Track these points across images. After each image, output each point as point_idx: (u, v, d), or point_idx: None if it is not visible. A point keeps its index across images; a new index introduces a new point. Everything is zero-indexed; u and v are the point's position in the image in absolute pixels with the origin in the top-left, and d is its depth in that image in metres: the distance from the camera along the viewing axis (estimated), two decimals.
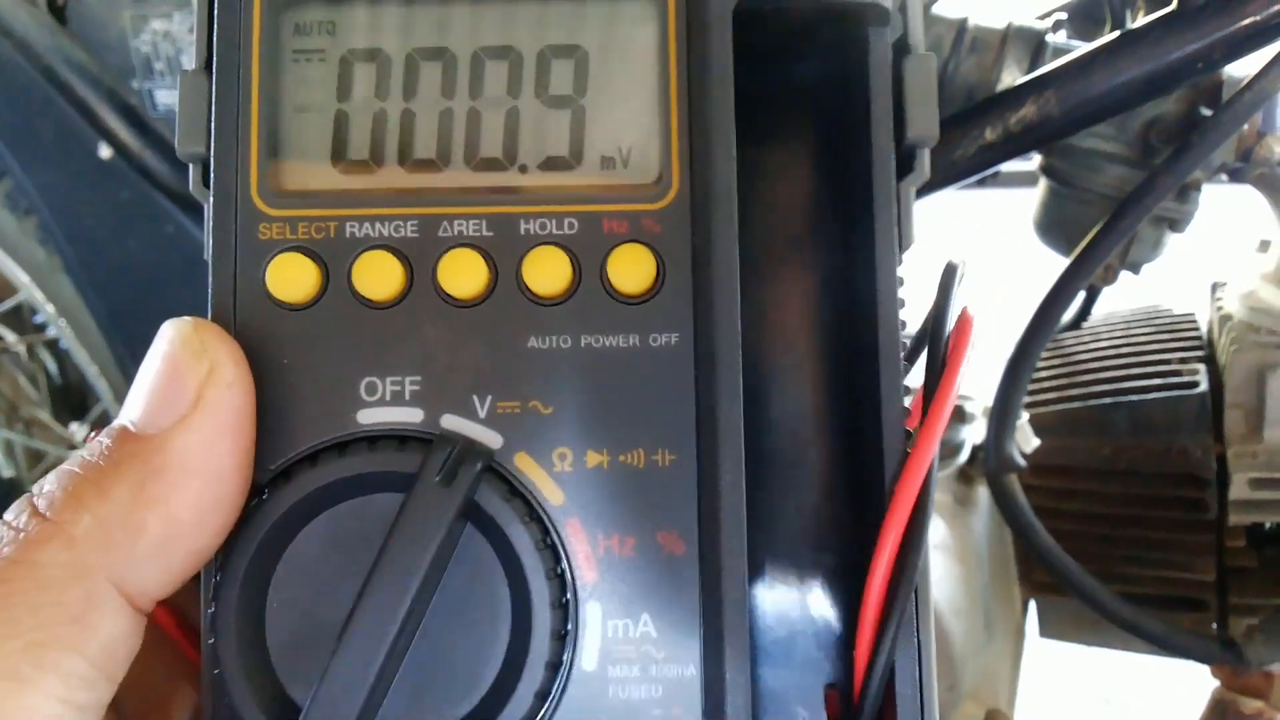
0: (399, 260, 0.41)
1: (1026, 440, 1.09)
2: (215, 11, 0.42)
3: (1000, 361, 1.04)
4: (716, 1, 0.42)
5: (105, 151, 1.37)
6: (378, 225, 0.42)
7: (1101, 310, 1.40)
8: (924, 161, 0.43)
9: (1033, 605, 1.31)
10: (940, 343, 0.43)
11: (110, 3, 1.27)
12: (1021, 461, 1.07)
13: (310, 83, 0.43)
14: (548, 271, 0.41)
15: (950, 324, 0.43)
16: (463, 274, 0.41)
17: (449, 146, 0.43)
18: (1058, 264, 1.10)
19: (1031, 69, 1.08)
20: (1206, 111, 1.01)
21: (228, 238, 0.42)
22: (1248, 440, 1.09)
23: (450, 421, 0.41)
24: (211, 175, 0.42)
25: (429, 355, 0.41)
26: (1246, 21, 0.87)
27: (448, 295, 0.41)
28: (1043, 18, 1.22)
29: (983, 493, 1.30)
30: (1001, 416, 1.05)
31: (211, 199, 0.42)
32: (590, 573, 0.41)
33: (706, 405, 0.41)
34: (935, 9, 1.06)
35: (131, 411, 0.39)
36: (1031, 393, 1.25)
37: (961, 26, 1.09)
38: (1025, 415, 1.11)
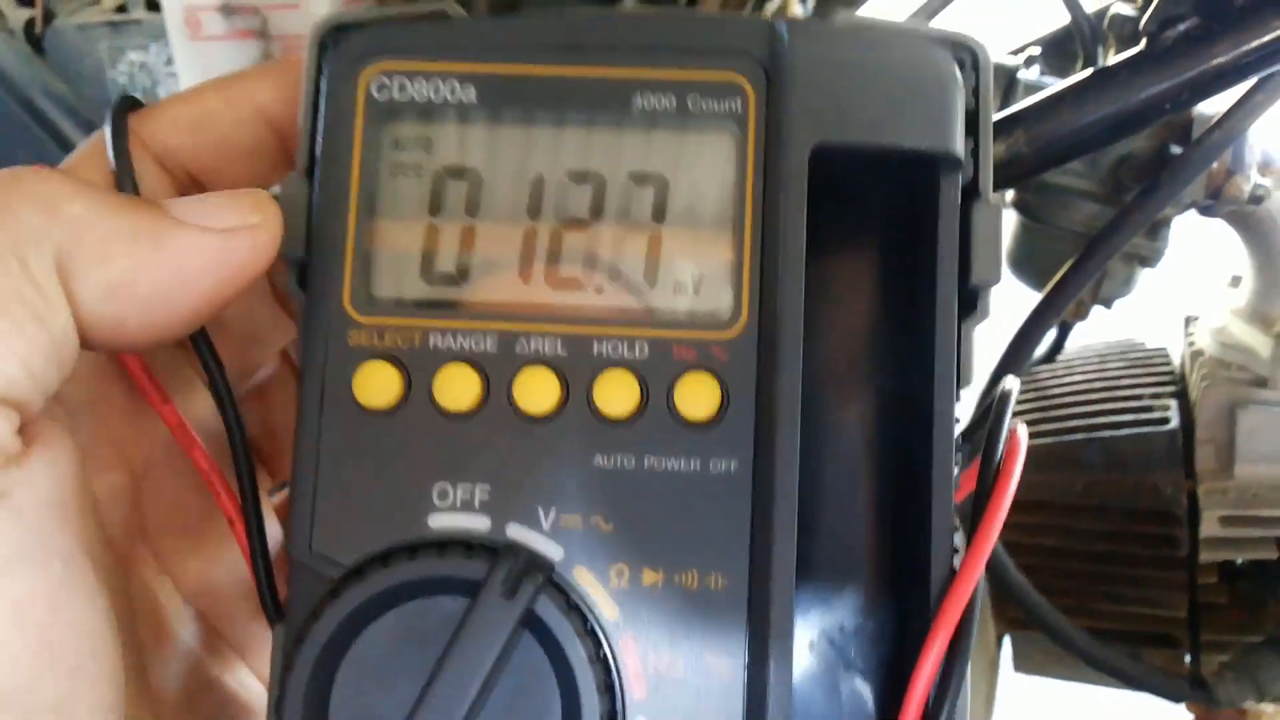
0: (477, 373, 0.43)
1: None
2: (322, 119, 0.44)
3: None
4: (796, 141, 0.43)
5: None
6: (459, 338, 0.43)
7: (1077, 342, 1.40)
8: (987, 302, 0.45)
9: (1007, 640, 1.31)
10: (991, 464, 0.44)
11: (87, 34, 1.28)
12: None
13: (405, 196, 0.44)
14: (617, 394, 0.43)
15: (1001, 445, 0.45)
16: (536, 392, 0.43)
17: (531, 264, 0.44)
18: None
19: (1003, 105, 1.08)
20: (1177, 149, 1.01)
21: (318, 341, 0.43)
22: (1219, 477, 1.09)
23: (515, 531, 0.43)
24: (309, 280, 0.44)
25: (499, 466, 0.43)
26: (1214, 63, 0.88)
27: (520, 410, 0.43)
28: (1017, 52, 1.23)
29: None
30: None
31: (308, 303, 0.44)
32: (640, 689, 0.42)
33: (762, 536, 0.42)
34: None
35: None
36: None
37: None
38: None
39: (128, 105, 0.46)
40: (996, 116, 1.00)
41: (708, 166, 0.44)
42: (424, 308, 0.44)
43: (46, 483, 0.37)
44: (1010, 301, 1.17)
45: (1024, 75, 1.09)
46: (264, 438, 0.54)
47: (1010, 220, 1.16)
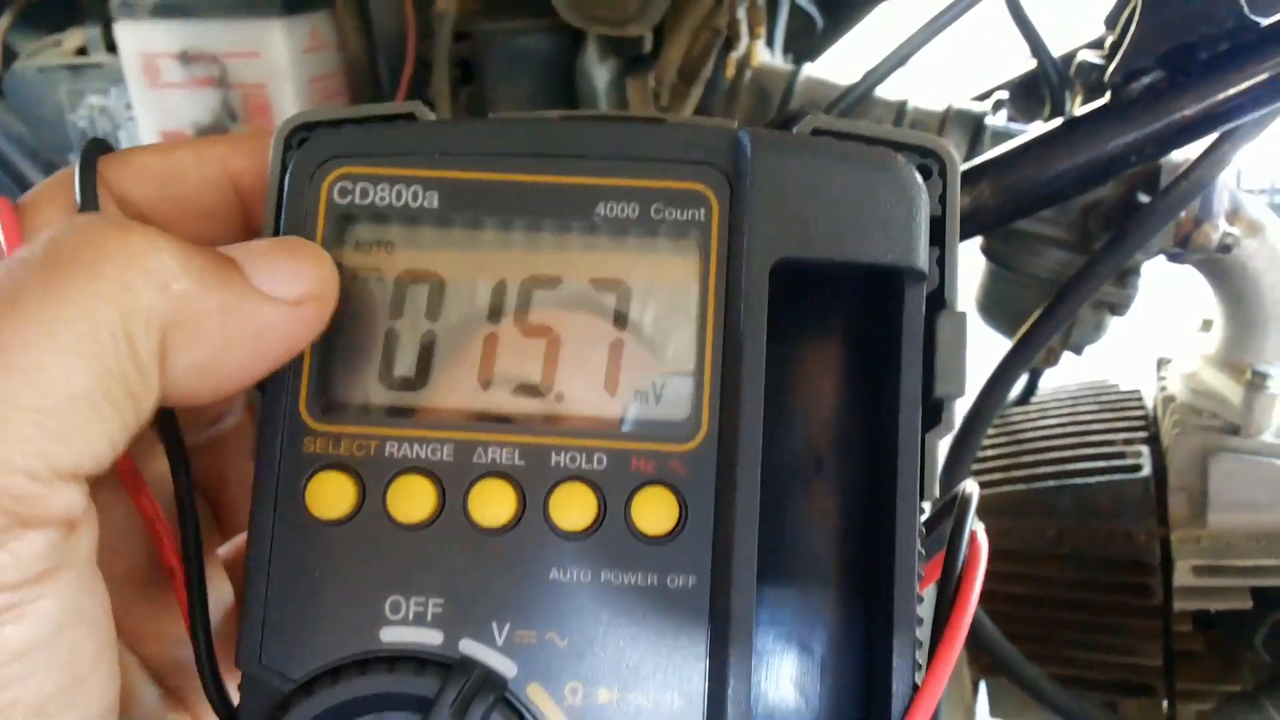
0: (432, 484, 0.42)
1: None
2: (282, 222, 0.44)
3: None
4: (757, 256, 0.42)
5: None
6: (415, 447, 0.43)
7: (1051, 383, 1.40)
8: (952, 414, 0.44)
9: (983, 686, 1.29)
10: (953, 573, 0.43)
11: (46, 78, 1.26)
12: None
13: (365, 299, 0.44)
14: (574, 507, 0.42)
15: (963, 553, 0.44)
16: (492, 504, 0.42)
17: (491, 370, 0.44)
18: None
19: (970, 152, 1.07)
20: (1145, 197, 1.01)
21: (273, 447, 0.43)
22: (1191, 525, 1.08)
23: (468, 646, 0.42)
24: (265, 383, 0.43)
25: (453, 579, 0.42)
26: (1180, 116, 0.87)
27: (475, 523, 0.42)
28: (984, 96, 1.22)
29: None
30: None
31: (262, 406, 0.43)
32: None
33: (718, 654, 0.41)
34: (877, 91, 1.06)
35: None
36: (976, 472, 1.23)
37: (901, 109, 1.09)
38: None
39: (98, 147, 0.46)
40: (965, 166, 0.99)
41: (670, 275, 0.43)
42: (381, 414, 0.43)
43: (91, 540, 0.38)
44: (982, 342, 1.17)
45: (991, 121, 1.08)
46: (218, 488, 0.53)
47: (979, 266, 1.15)
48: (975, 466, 1.22)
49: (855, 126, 0.45)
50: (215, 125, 1.12)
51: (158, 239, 0.38)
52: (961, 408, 1.05)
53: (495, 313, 0.44)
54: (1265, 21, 0.84)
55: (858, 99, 1.03)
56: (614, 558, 0.42)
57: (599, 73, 1.06)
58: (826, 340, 0.47)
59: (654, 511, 0.42)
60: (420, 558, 0.42)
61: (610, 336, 0.43)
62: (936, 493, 0.43)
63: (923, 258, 0.42)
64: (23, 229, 0.43)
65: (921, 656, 0.43)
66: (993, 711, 1.30)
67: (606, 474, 0.42)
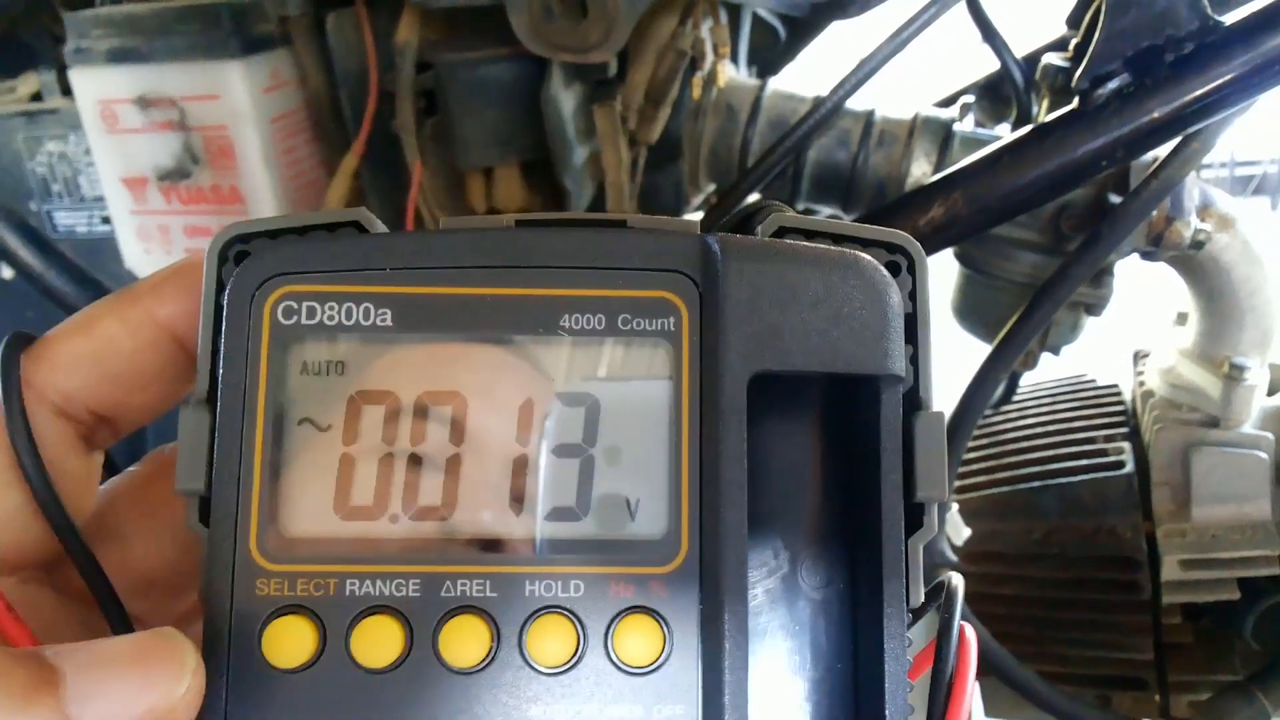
0: (399, 624, 0.40)
1: (957, 532, 1.08)
2: (223, 347, 0.40)
3: None
4: (733, 371, 0.40)
5: (7, 272, 1.34)
6: (378, 583, 0.40)
7: (1029, 377, 1.40)
8: (933, 518, 0.43)
9: (976, 686, 1.30)
10: (945, 669, 0.43)
11: (3, 125, 1.24)
12: (953, 556, 1.07)
13: (316, 425, 0.41)
14: (552, 640, 0.40)
15: (954, 644, 0.43)
16: (464, 642, 0.40)
17: (455, 494, 0.41)
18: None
19: (940, 159, 1.07)
20: (1116, 198, 1.01)
21: (222, 591, 0.39)
22: (1176, 518, 1.09)
23: None
24: (209, 522, 0.40)
25: None
26: (1147, 119, 0.87)
27: (447, 663, 0.39)
28: (950, 100, 1.22)
29: None
30: None
31: (207, 547, 0.40)
32: None
33: None
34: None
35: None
36: (961, 475, 1.24)
37: (869, 119, 1.08)
38: (955, 506, 1.10)
39: (18, 345, 0.43)
40: (934, 177, 0.99)
41: (640, 387, 0.42)
42: (340, 549, 0.40)
43: None
44: (956, 344, 1.17)
45: (959, 128, 1.08)
46: None
47: (954, 271, 1.15)
48: (960, 470, 1.23)
49: (820, 224, 0.43)
50: (178, 169, 1.10)
51: None
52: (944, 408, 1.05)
53: (456, 434, 0.41)
54: (1228, 21, 0.84)
55: (827, 113, 1.02)
56: (596, 692, 0.40)
57: (565, 100, 1.05)
58: (799, 446, 0.45)
59: (640, 640, 0.40)
60: (389, 703, 0.39)
61: (580, 454, 0.41)
62: (920, 598, 0.42)
63: (899, 363, 0.41)
64: None
65: None
66: (988, 711, 1.30)
67: (585, 602, 0.40)
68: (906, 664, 0.41)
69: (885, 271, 0.42)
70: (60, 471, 0.43)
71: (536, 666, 0.40)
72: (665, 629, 0.40)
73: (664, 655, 0.40)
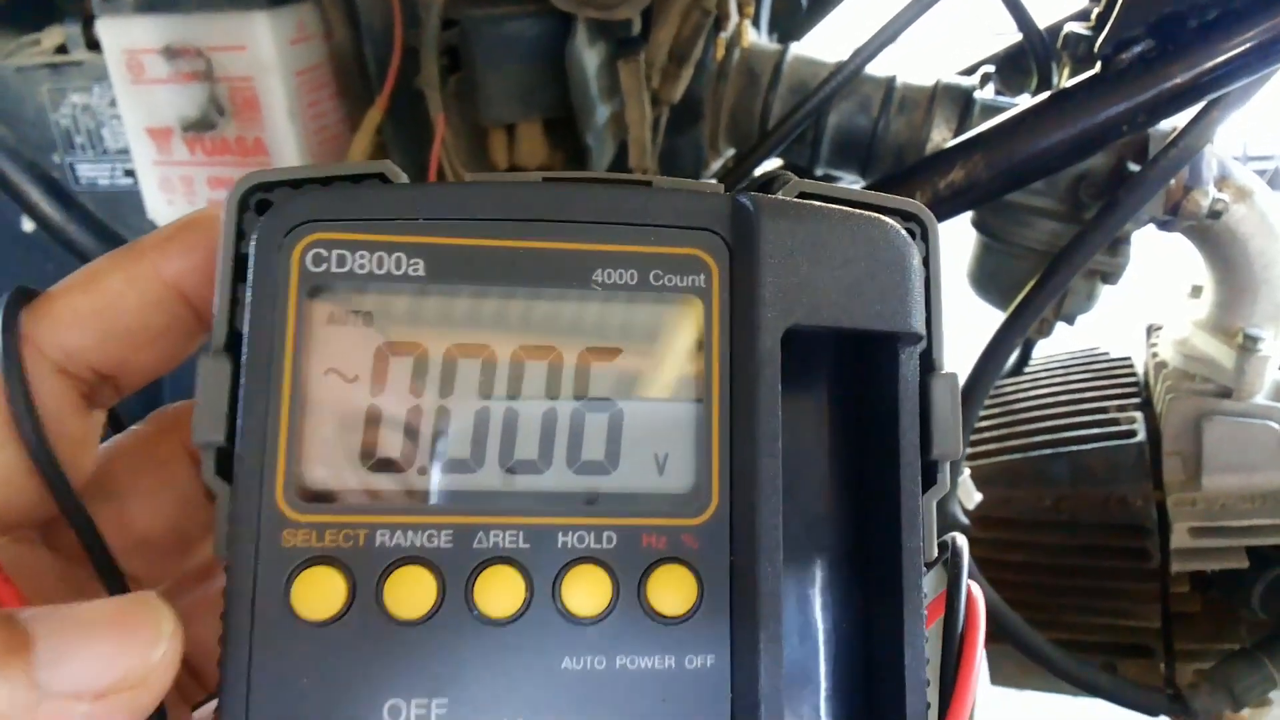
0: (432, 574, 0.39)
1: (969, 497, 1.09)
2: (249, 294, 0.40)
3: None
4: (769, 323, 0.41)
5: (28, 225, 1.34)
6: (410, 534, 0.39)
7: (1042, 350, 1.41)
8: (946, 475, 0.44)
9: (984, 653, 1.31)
10: (955, 631, 0.43)
11: (27, 77, 1.25)
12: (965, 520, 1.07)
13: (344, 376, 0.40)
14: (587, 590, 0.40)
15: (962, 610, 0.44)
16: (499, 592, 0.39)
17: (484, 448, 0.41)
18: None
19: (960, 126, 1.08)
20: (1134, 167, 1.01)
21: (246, 543, 0.39)
22: (1186, 488, 1.10)
23: None
24: (234, 472, 0.39)
25: (457, 676, 0.39)
26: (1170, 85, 0.88)
27: (481, 613, 0.39)
28: (970, 70, 1.22)
29: None
30: None
31: (230, 497, 0.39)
32: None
33: None
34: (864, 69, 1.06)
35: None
36: (973, 443, 1.25)
37: (890, 85, 1.09)
38: (967, 471, 1.11)
39: (20, 300, 0.42)
40: (954, 141, 1.00)
41: (670, 341, 0.42)
42: (367, 500, 0.40)
43: None
44: (969, 312, 1.18)
45: (980, 96, 1.09)
46: (197, 651, 0.47)
47: (971, 239, 1.16)
48: (972, 438, 1.23)
49: (839, 190, 0.44)
50: (203, 120, 1.11)
51: None
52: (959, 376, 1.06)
53: (487, 386, 0.41)
54: None
55: (848, 77, 1.03)
56: (629, 641, 0.40)
57: (589, 57, 1.06)
58: (815, 404, 0.46)
59: (671, 591, 0.40)
60: (421, 655, 0.39)
61: (608, 408, 0.42)
62: (934, 553, 0.43)
63: (919, 321, 0.42)
64: None
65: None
66: (993, 680, 1.31)
67: (617, 553, 0.40)
68: (924, 616, 0.42)
69: (906, 234, 0.43)
70: (59, 430, 0.42)
71: (571, 616, 0.40)
72: (698, 579, 0.40)
73: (696, 606, 0.40)
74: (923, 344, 0.43)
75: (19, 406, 0.40)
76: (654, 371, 0.42)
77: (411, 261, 0.40)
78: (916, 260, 0.43)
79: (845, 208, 0.43)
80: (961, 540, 0.45)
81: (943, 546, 0.46)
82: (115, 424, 0.48)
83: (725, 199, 0.42)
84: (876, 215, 0.43)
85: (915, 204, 0.44)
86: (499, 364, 0.41)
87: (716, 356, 0.41)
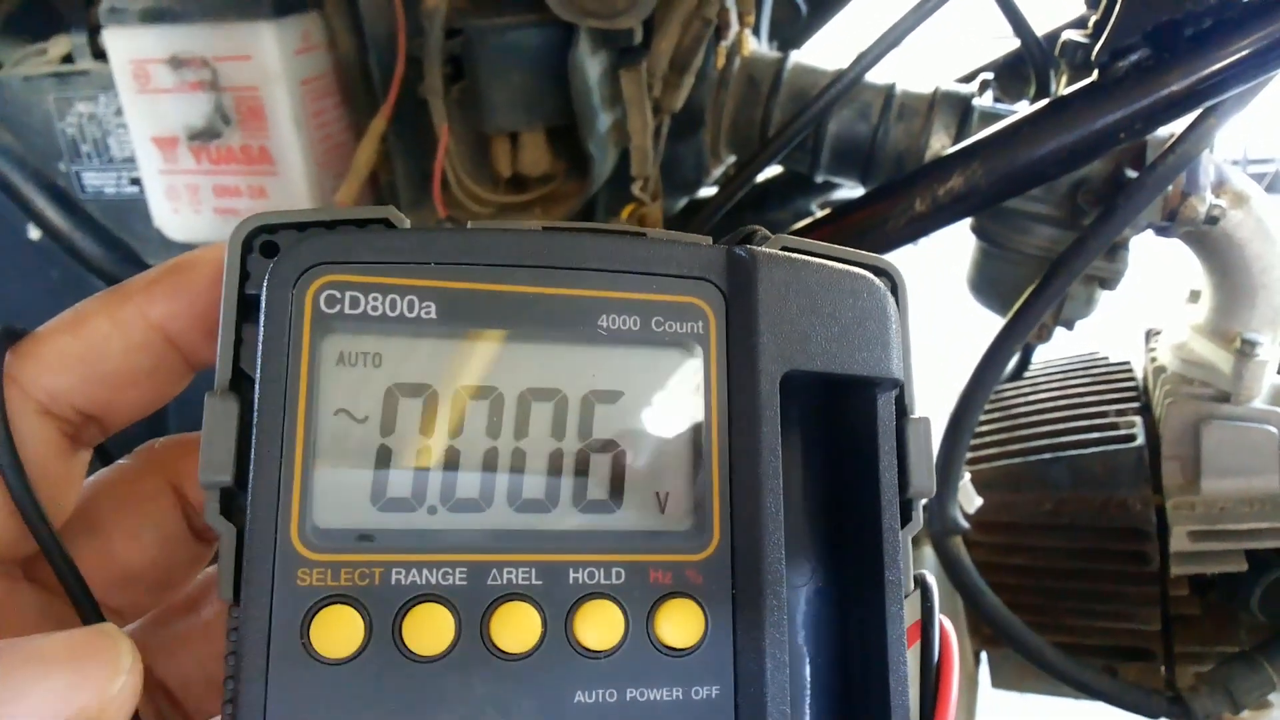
0: (449, 611, 0.40)
1: (969, 500, 1.10)
2: (262, 334, 0.40)
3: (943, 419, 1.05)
4: (767, 367, 0.43)
5: (34, 232, 1.35)
6: (425, 572, 0.40)
7: (1042, 355, 1.42)
8: (919, 512, 0.46)
9: (984, 656, 1.32)
10: (932, 658, 0.45)
11: (32, 87, 1.26)
12: (965, 524, 1.08)
13: (356, 417, 0.41)
14: (599, 625, 0.41)
15: (936, 644, 0.46)
16: (515, 628, 0.40)
17: (492, 487, 0.42)
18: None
19: (959, 134, 1.09)
20: (1132, 173, 1.02)
21: (261, 583, 0.39)
22: (1186, 491, 1.11)
23: None
24: (248, 512, 0.39)
25: (474, 712, 0.40)
26: (1167, 92, 0.89)
27: (498, 649, 0.40)
28: (969, 78, 1.23)
29: (928, 550, 1.31)
30: (943, 478, 1.06)
31: (246, 538, 0.39)
32: None
33: None
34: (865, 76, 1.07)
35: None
36: (973, 447, 1.25)
37: (889, 93, 1.10)
38: (967, 475, 1.12)
39: (5, 340, 0.42)
40: (953, 148, 1.01)
41: (672, 386, 0.44)
42: (381, 539, 0.40)
43: None
44: (962, 319, 1.18)
45: (979, 103, 1.10)
46: (185, 687, 0.49)
47: (970, 245, 1.16)
48: (972, 442, 1.24)
49: (816, 246, 0.46)
50: (208, 129, 1.12)
51: None
52: (957, 386, 1.07)
53: (493, 427, 0.42)
54: None
55: (848, 85, 1.04)
56: (639, 674, 0.41)
57: (591, 66, 1.07)
58: (796, 445, 0.48)
59: (679, 624, 0.41)
60: (439, 690, 0.39)
61: (612, 449, 0.43)
62: (911, 586, 0.45)
63: (898, 368, 0.45)
64: None
65: None
66: (995, 683, 1.32)
67: (626, 588, 0.41)
68: (905, 644, 0.44)
69: (884, 288, 0.45)
70: (41, 471, 0.43)
71: (584, 650, 0.41)
72: (704, 612, 0.42)
73: (703, 638, 0.42)
74: (898, 389, 0.46)
75: (2, 448, 0.41)
76: (655, 414, 0.43)
77: (424, 304, 0.41)
78: (894, 311, 0.45)
79: (828, 261, 0.45)
80: (930, 578, 0.47)
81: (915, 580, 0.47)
82: (104, 457, 0.49)
83: (720, 250, 0.44)
84: (859, 270, 0.45)
85: (887, 261, 0.47)
86: (505, 406, 0.42)
87: (715, 400, 0.43)
